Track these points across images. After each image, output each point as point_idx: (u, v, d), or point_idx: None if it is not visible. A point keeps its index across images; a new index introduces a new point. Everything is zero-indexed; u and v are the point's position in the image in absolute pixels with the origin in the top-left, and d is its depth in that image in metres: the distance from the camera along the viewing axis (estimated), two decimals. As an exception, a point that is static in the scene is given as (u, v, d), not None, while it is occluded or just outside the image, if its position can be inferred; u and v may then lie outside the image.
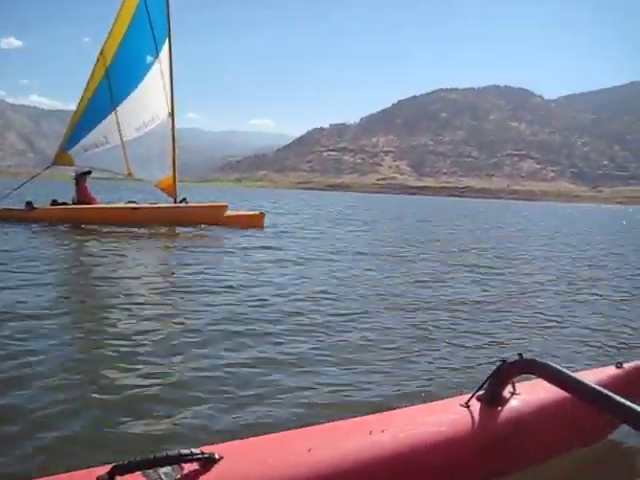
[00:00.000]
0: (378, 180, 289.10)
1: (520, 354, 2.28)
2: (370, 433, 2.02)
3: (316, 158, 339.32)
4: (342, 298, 6.47)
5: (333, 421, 2.26)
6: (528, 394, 2.38)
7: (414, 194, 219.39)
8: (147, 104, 14.89)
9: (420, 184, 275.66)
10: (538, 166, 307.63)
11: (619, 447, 2.84)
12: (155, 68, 15.07)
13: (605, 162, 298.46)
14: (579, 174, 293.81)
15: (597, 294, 7.73)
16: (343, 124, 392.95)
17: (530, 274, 9.47)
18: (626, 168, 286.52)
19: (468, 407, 2.25)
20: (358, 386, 3.64)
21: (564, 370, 2.14)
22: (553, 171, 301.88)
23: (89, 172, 14.33)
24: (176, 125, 15.51)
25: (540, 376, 2.23)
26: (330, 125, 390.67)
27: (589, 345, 4.92)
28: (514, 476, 2.32)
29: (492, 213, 47.34)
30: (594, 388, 2.04)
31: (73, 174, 14.33)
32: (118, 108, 14.43)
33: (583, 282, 8.77)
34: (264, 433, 2.08)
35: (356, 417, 2.26)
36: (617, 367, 2.69)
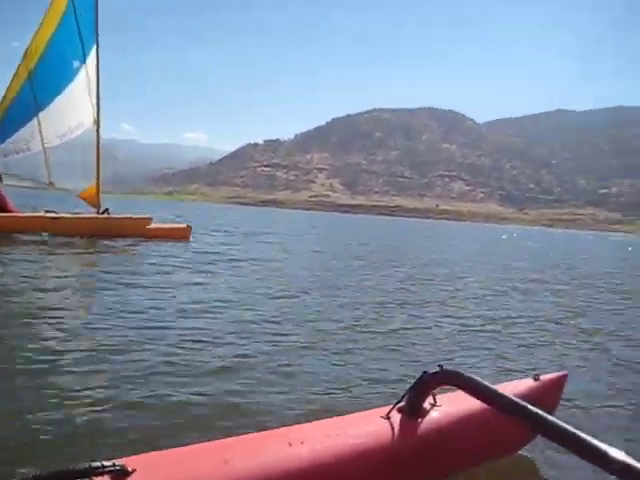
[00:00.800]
0: (311, 197, 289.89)
1: (440, 365, 2.26)
2: (290, 445, 1.98)
3: (249, 173, 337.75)
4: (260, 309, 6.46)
5: (251, 432, 2.21)
6: (449, 406, 2.38)
7: (346, 212, 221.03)
8: (73, 110, 14.52)
9: (352, 202, 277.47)
10: (468, 187, 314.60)
11: (536, 457, 2.90)
12: (82, 74, 14.73)
13: (531, 185, 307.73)
14: (507, 196, 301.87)
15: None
16: (277, 140, 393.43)
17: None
18: (551, 192, 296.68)
19: (388, 419, 2.23)
20: (275, 398, 3.60)
21: (484, 382, 2.15)
22: (482, 192, 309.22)
23: None
24: (102, 134, 15.14)
25: (461, 388, 2.22)
26: (264, 141, 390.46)
27: (509, 359, 5.03)
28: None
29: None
30: (513, 400, 2.05)
31: None
32: (41, 113, 14.06)
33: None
34: (179, 445, 2.01)
35: (275, 428, 2.22)
36: (534, 379, 2.76)
